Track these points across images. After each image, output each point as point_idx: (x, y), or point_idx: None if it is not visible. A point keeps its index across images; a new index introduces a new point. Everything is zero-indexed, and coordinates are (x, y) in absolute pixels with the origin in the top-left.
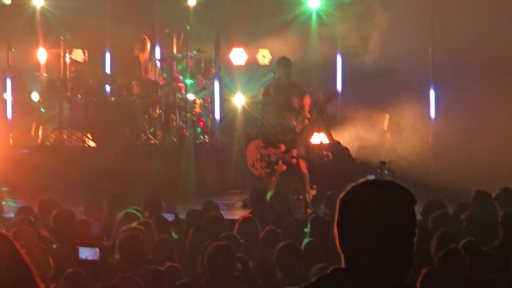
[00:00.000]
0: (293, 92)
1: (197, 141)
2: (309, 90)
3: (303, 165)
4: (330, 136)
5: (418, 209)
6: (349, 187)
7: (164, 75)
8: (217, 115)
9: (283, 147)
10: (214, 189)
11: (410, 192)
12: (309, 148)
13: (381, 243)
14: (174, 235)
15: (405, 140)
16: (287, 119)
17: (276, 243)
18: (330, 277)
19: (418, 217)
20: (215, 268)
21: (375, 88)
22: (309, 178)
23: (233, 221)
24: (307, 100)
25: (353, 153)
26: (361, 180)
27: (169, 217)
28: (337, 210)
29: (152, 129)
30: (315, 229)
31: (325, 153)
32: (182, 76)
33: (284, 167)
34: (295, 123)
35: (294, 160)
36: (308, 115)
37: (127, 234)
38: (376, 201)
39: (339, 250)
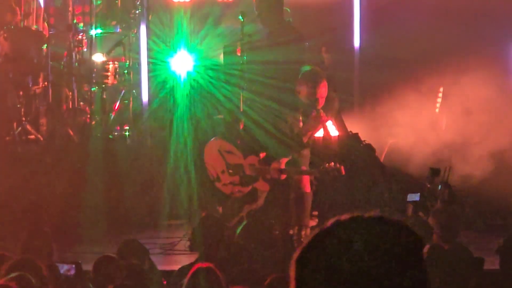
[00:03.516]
0: (290, 48)
1: (110, 136)
2: (306, 44)
3: (305, 179)
4: (340, 124)
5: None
6: (315, 232)
7: (55, 3)
8: (145, 90)
9: (262, 154)
10: (142, 219)
11: (417, 235)
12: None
13: None
14: None
15: (475, 131)
16: (290, 122)
17: None
18: None
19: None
20: None
21: (417, 38)
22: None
23: (172, 274)
24: (322, 90)
25: (382, 154)
26: (345, 216)
27: (69, 269)
28: (292, 271)
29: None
30: None
31: (333, 165)
32: (84, 22)
33: (266, 186)
34: (302, 128)
35: (283, 176)
36: (324, 116)
37: None
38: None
39: None
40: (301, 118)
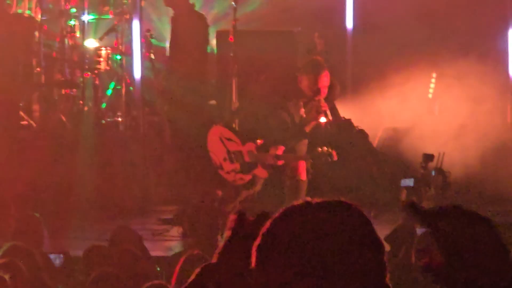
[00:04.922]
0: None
1: (103, 121)
2: (298, 29)
3: (301, 167)
4: (333, 111)
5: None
6: (276, 215)
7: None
8: (137, 75)
9: (260, 141)
10: (134, 205)
11: (366, 218)
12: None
13: None
14: None
15: (468, 117)
16: (292, 111)
17: None
18: None
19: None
20: None
21: (411, 26)
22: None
23: (165, 260)
24: (324, 80)
25: (375, 139)
26: (305, 200)
27: (55, 258)
28: (253, 260)
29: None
30: None
31: (325, 150)
32: (76, 8)
33: (265, 173)
34: (304, 118)
35: (279, 162)
36: (325, 105)
37: None
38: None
39: None
40: (302, 107)
